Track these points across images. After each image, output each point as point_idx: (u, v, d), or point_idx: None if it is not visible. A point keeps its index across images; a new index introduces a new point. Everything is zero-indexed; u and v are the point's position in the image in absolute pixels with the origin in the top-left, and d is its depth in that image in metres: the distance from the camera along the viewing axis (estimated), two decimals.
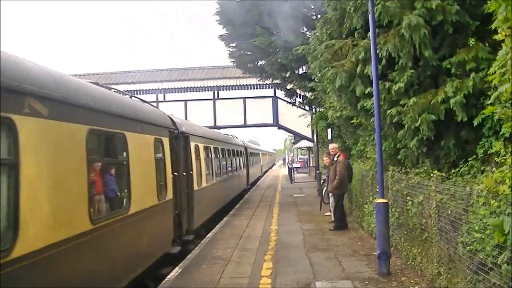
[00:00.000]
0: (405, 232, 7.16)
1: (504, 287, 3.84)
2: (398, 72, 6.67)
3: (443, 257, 5.48)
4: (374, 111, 6.75)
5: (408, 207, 6.70)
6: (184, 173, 9.77)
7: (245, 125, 25.84)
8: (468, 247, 4.54)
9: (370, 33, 6.54)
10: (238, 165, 21.02)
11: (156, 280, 7.41)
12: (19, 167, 3.69)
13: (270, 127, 27.23)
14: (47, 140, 4.16)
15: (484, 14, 5.27)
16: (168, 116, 9.35)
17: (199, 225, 10.86)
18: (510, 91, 3.63)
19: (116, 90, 7.48)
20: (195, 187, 10.56)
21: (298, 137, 32.99)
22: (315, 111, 18.35)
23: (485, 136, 5.51)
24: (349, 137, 12.59)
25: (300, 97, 20.70)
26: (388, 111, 6.66)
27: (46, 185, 4.09)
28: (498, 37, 3.88)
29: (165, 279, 7.18)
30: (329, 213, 12.34)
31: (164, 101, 26.31)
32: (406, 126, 6.47)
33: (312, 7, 15.20)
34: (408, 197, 6.78)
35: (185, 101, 25.93)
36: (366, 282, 6.43)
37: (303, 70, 16.85)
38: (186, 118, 22.31)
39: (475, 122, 5.55)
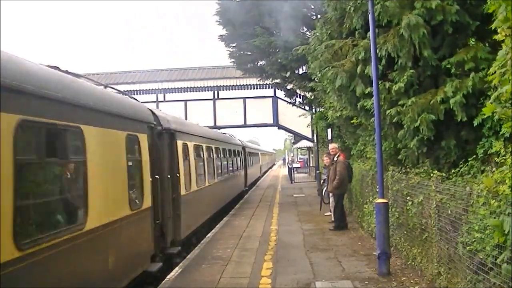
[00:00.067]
0: (405, 232, 7.16)
1: (504, 287, 3.85)
2: (398, 72, 6.67)
3: (443, 257, 5.48)
4: (374, 111, 6.76)
5: (408, 207, 6.70)
6: (169, 176, 8.50)
7: (245, 125, 25.82)
8: (468, 247, 4.54)
9: (370, 33, 6.54)
10: (235, 165, 19.70)
11: (156, 280, 7.40)
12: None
13: (270, 127, 27.22)
14: None
15: (484, 14, 5.27)
16: (149, 109, 8.01)
17: (188, 234, 9.73)
18: (510, 91, 3.63)
19: (86, 78, 6.14)
20: (183, 192, 9.28)
21: (298, 137, 32.98)
22: (315, 111, 18.35)
23: (485, 136, 5.51)
24: (349, 137, 12.59)
25: (300, 97, 20.70)
26: (388, 111, 6.66)
27: None
28: (498, 37, 3.88)
29: (165, 279, 7.18)
30: (329, 213, 12.34)
31: (164, 101, 26.30)
32: (405, 126, 6.47)
33: (312, 7, 15.20)
34: (408, 197, 6.78)
35: (185, 101, 25.92)
36: (366, 282, 6.44)
37: (303, 70, 16.86)
38: (186, 118, 22.28)
39: (475, 122, 5.54)
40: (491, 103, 4.35)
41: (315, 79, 12.51)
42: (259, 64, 17.88)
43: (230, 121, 25.16)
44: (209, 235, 10.96)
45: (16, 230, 3.66)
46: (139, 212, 6.66)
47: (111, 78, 27.08)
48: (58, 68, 5.30)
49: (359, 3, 7.22)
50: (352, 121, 10.23)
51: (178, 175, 9.01)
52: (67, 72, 5.44)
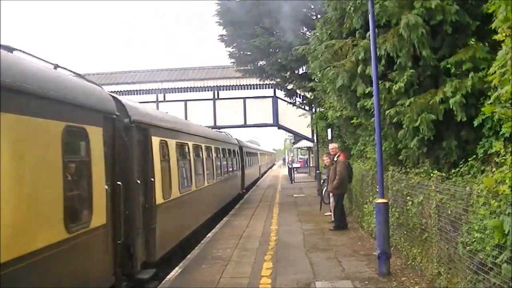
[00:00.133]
0: (405, 232, 7.16)
1: (504, 287, 3.85)
2: (398, 72, 6.68)
3: (443, 257, 5.48)
4: (374, 111, 6.76)
5: (408, 207, 6.70)
6: (139, 181, 6.83)
7: (245, 125, 25.83)
8: (468, 247, 4.54)
9: (370, 33, 6.54)
10: (230, 166, 18.13)
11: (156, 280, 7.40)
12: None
13: (270, 127, 27.24)
14: None
15: (484, 14, 5.27)
16: (111, 96, 6.39)
17: (166, 252, 8.02)
18: (510, 91, 3.63)
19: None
20: (159, 200, 7.60)
21: (298, 137, 32.99)
22: (315, 111, 18.36)
23: (485, 136, 5.51)
24: (349, 137, 12.60)
25: (300, 97, 20.71)
26: (387, 112, 6.66)
27: None
28: (498, 37, 3.88)
29: (165, 279, 7.18)
30: (329, 213, 12.35)
31: (164, 101, 26.32)
32: (405, 126, 6.47)
33: (312, 7, 15.21)
34: (408, 197, 6.78)
35: (185, 101, 25.93)
36: (366, 282, 6.44)
37: (303, 70, 16.86)
38: (186, 118, 22.26)
39: (476, 123, 5.54)
40: (491, 103, 4.35)
41: (315, 79, 12.52)
42: (259, 64, 17.89)
43: (230, 121, 25.17)
44: (209, 235, 10.95)
45: None
46: (86, 233, 4.94)
47: (111, 78, 27.11)
48: None
49: (359, 3, 7.23)
50: (352, 121, 10.23)
51: (152, 179, 7.32)
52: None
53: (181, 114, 22.74)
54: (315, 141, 21.27)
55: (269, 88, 24.57)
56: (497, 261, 3.86)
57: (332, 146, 11.94)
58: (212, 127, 21.21)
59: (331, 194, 11.49)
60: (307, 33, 15.66)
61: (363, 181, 10.20)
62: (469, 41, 6.05)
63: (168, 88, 26.49)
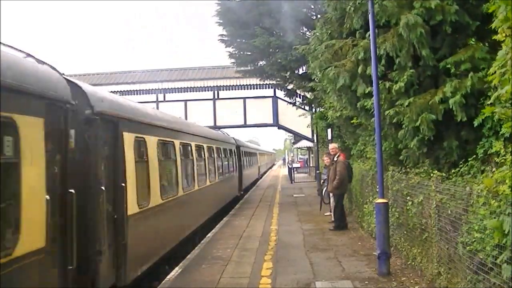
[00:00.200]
0: (405, 232, 7.16)
1: (504, 287, 3.85)
2: (398, 72, 6.68)
3: (443, 257, 5.48)
4: (374, 111, 6.76)
5: (408, 207, 6.70)
6: (104, 187, 5.47)
7: (245, 125, 25.83)
8: (468, 247, 4.54)
9: (370, 33, 6.54)
10: (226, 167, 16.82)
11: (156, 280, 7.40)
12: None
13: (270, 127, 27.23)
14: None
15: (484, 14, 5.27)
16: (66, 79, 5.07)
17: (142, 273, 6.74)
18: (510, 91, 3.63)
19: None
20: (133, 209, 6.34)
21: (298, 137, 32.99)
22: (315, 111, 18.36)
23: (485, 136, 5.51)
24: (349, 137, 12.60)
25: (300, 97, 20.72)
26: (387, 112, 6.66)
27: None
28: (498, 37, 3.88)
29: (165, 279, 7.18)
30: (329, 213, 12.35)
31: (164, 101, 26.32)
32: (405, 126, 6.47)
33: (312, 7, 15.22)
34: (408, 197, 6.78)
35: (185, 101, 25.93)
36: (366, 282, 6.44)
37: (303, 70, 16.87)
38: (186, 118, 22.23)
39: (476, 123, 5.54)
40: (491, 103, 4.35)
41: (315, 79, 12.52)
42: (259, 64, 17.89)
43: (230, 121, 25.16)
44: (209, 235, 10.95)
45: None
46: (6, 265, 3.52)
47: (111, 78, 27.11)
48: None
49: (359, 3, 7.23)
50: (352, 121, 10.23)
51: (123, 184, 6.06)
52: None
53: (181, 114, 22.71)
54: (315, 141, 21.27)
55: (269, 88, 24.56)
56: (497, 261, 3.86)
57: (332, 146, 11.94)
58: (212, 127, 21.13)
59: (331, 194, 11.49)
60: (307, 33, 15.66)
61: (363, 181, 10.20)
62: (469, 41, 6.04)
63: (168, 88, 26.48)
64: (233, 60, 18.59)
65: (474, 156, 5.56)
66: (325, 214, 12.88)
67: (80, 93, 5.37)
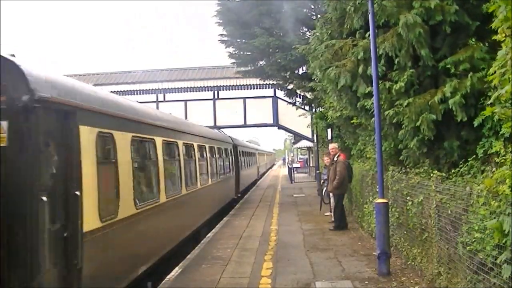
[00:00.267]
0: (405, 232, 7.16)
1: (504, 287, 3.84)
2: (398, 72, 6.67)
3: (443, 257, 5.48)
4: (374, 111, 6.75)
5: (408, 207, 6.70)
6: (45, 198, 4.20)
7: (245, 125, 25.85)
8: (468, 247, 4.54)
9: (370, 33, 6.54)
10: (221, 168, 15.47)
11: (156, 280, 7.39)
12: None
13: (270, 127, 27.25)
14: None
15: (485, 14, 5.26)
16: None
17: None
18: (510, 91, 3.62)
19: None
20: (91, 223, 5.02)
21: (298, 137, 33.01)
22: (315, 111, 18.36)
23: (485, 136, 5.51)
24: (349, 137, 12.59)
25: (300, 97, 20.72)
26: (386, 112, 6.66)
27: None
28: (498, 37, 3.88)
29: (165, 279, 7.18)
30: (329, 213, 12.35)
31: (164, 101, 26.33)
32: (404, 127, 6.47)
33: (312, 7, 15.22)
34: (408, 197, 6.78)
35: (185, 101, 25.95)
36: (366, 282, 6.44)
37: (302, 70, 16.87)
38: (186, 118, 22.21)
39: (476, 123, 5.54)
40: (491, 103, 4.35)
41: (315, 79, 12.52)
42: (259, 64, 17.90)
43: (230, 121, 25.19)
44: (209, 235, 10.95)
45: None
46: None
47: (111, 78, 27.14)
48: None
49: (359, 3, 7.23)
50: (352, 121, 10.23)
51: (77, 193, 4.73)
52: None
53: (181, 114, 22.71)
54: (315, 141, 21.27)
55: (269, 88, 24.58)
56: (497, 261, 3.86)
57: (332, 146, 11.94)
58: (212, 127, 21.09)
59: (331, 194, 11.49)
60: (307, 33, 15.67)
61: (363, 181, 10.20)
62: (469, 41, 6.04)
63: (168, 88, 26.51)
64: (233, 60, 18.61)
65: (474, 156, 5.56)
66: (325, 214, 12.88)
67: (16, 73, 4.15)
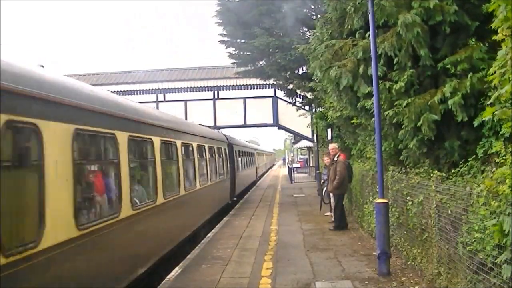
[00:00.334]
0: (405, 232, 7.16)
1: (504, 287, 3.84)
2: (398, 72, 6.68)
3: (443, 257, 5.48)
4: (374, 111, 6.75)
5: (408, 207, 6.70)
6: None
7: (245, 125, 25.86)
8: (468, 247, 4.54)
9: (370, 33, 6.54)
10: (214, 170, 13.69)
11: (156, 280, 7.39)
12: None
13: (270, 127, 27.25)
14: None
15: (485, 14, 5.26)
16: None
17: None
18: (510, 91, 3.62)
19: None
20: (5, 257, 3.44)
21: (298, 137, 33.00)
22: (315, 111, 18.36)
23: (485, 136, 5.51)
24: (349, 137, 12.59)
25: (300, 97, 20.73)
26: (386, 112, 6.66)
27: None
28: (498, 37, 3.88)
29: (165, 279, 7.18)
30: (329, 213, 12.35)
31: (164, 101, 26.33)
32: (404, 127, 6.47)
33: (312, 7, 15.23)
34: (408, 197, 6.77)
35: (185, 101, 25.95)
36: (366, 282, 6.43)
37: (302, 70, 16.88)
38: (186, 118, 22.20)
39: (476, 123, 5.54)
40: (490, 103, 4.35)
41: (315, 79, 12.53)
42: (259, 64, 17.91)
43: (230, 121, 25.19)
44: (209, 235, 10.95)
45: None
46: None
47: (111, 78, 27.14)
48: None
49: (359, 3, 7.22)
50: (352, 121, 10.23)
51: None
52: None
53: (181, 114, 22.71)
54: (315, 141, 21.27)
55: (269, 88, 24.59)
56: (497, 261, 3.86)
57: (332, 146, 11.93)
58: (213, 127, 21.02)
59: (331, 194, 11.49)
60: (307, 33, 15.67)
61: (363, 181, 10.20)
62: (469, 41, 6.04)
63: (168, 88, 26.51)
64: (233, 60, 18.62)
65: (474, 156, 5.56)
66: (325, 214, 12.88)
67: None
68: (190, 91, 26.49)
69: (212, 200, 13.25)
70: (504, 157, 4.56)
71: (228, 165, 17.04)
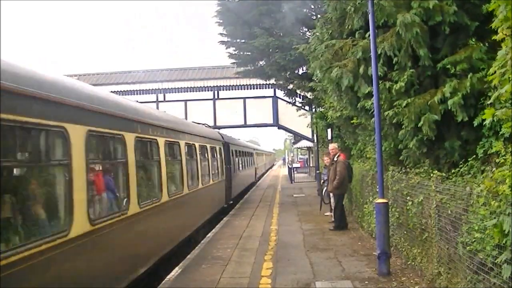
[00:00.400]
0: (405, 232, 7.16)
1: (504, 287, 3.84)
2: (398, 72, 6.68)
3: (443, 257, 5.48)
4: (374, 111, 6.75)
5: (408, 207, 6.70)
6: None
7: (245, 125, 25.86)
8: (468, 247, 4.54)
9: (370, 33, 6.54)
10: (204, 172, 11.93)
11: (156, 280, 7.39)
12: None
13: (270, 127, 27.24)
14: None
15: (485, 14, 5.27)
16: None
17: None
18: (510, 91, 3.62)
19: None
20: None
21: (298, 137, 33.00)
22: (315, 111, 18.36)
23: (485, 136, 5.51)
24: (349, 137, 12.59)
25: (300, 97, 20.73)
26: (386, 113, 6.66)
27: None
28: (498, 37, 3.88)
29: (165, 279, 7.18)
30: (329, 213, 12.35)
31: (164, 101, 26.33)
32: (404, 127, 6.47)
33: (312, 7, 15.23)
34: (408, 197, 6.77)
35: (185, 101, 25.95)
36: (366, 282, 6.43)
37: (302, 70, 16.88)
38: (186, 118, 22.21)
39: (475, 123, 5.54)
40: (490, 103, 4.35)
41: (315, 79, 12.53)
42: (258, 64, 17.92)
43: (230, 121, 25.19)
44: (209, 235, 10.95)
45: None
46: None
47: (111, 78, 27.14)
48: None
49: (359, 3, 7.22)
50: (352, 121, 10.23)
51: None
52: None
53: (181, 114, 22.70)
54: (315, 141, 21.27)
55: (269, 88, 24.59)
56: (497, 261, 3.86)
57: (332, 146, 11.93)
58: (213, 127, 20.93)
59: (331, 194, 11.49)
60: (307, 33, 15.67)
61: (363, 181, 10.20)
62: (469, 41, 6.04)
63: (168, 88, 26.51)
64: (233, 60, 18.63)
65: (474, 156, 5.56)
66: (325, 214, 12.88)
67: None
68: (190, 91, 26.49)
69: (207, 202, 12.24)
70: (504, 157, 4.56)
71: (224, 166, 15.85)
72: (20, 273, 3.75)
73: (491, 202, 4.01)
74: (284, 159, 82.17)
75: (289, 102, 21.85)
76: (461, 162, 5.79)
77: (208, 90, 26.27)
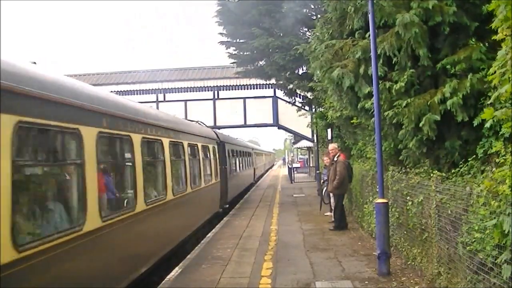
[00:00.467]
0: (405, 232, 7.16)
1: (504, 287, 3.84)
2: (398, 72, 6.68)
3: (443, 257, 5.48)
4: (374, 111, 6.75)
5: (408, 207, 6.70)
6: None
7: (245, 125, 25.86)
8: (468, 247, 4.54)
9: (370, 33, 6.54)
10: (195, 174, 10.88)
11: (156, 280, 7.39)
12: None
13: (270, 127, 27.24)
14: None
15: (485, 14, 5.27)
16: None
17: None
18: (510, 91, 3.62)
19: None
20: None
21: (298, 137, 33.00)
22: (315, 111, 18.35)
23: (485, 136, 5.51)
24: (349, 137, 12.60)
25: (300, 97, 20.72)
26: (386, 113, 6.66)
27: None
28: (498, 37, 3.88)
29: (165, 279, 7.18)
30: (329, 213, 12.35)
31: (164, 101, 26.33)
32: (404, 127, 6.47)
33: (312, 7, 15.23)
34: (408, 197, 6.78)
35: (185, 101, 25.95)
36: (366, 282, 6.43)
37: (302, 70, 16.88)
38: (186, 118, 22.17)
39: (475, 123, 5.54)
40: (490, 103, 4.34)
41: (315, 79, 12.52)
42: (258, 64, 17.91)
43: (230, 121, 25.20)
44: (209, 235, 10.95)
45: None
46: None
47: (111, 78, 27.14)
48: None
49: (359, 3, 7.22)
50: (352, 121, 10.23)
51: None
52: None
53: (181, 114, 22.70)
54: (315, 141, 21.27)
55: (269, 88, 24.60)
56: (497, 261, 3.86)
57: (332, 146, 11.93)
58: (213, 128, 20.86)
59: (331, 194, 11.49)
60: (307, 33, 15.67)
61: (363, 181, 10.20)
62: (469, 41, 6.04)
63: (168, 88, 26.51)
64: (233, 60, 18.62)
65: (474, 156, 5.56)
66: (325, 214, 12.89)
67: None
68: (190, 91, 26.49)
69: (198, 208, 11.14)
70: (504, 157, 4.56)
71: (218, 167, 14.46)
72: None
73: (491, 202, 4.01)
74: (284, 159, 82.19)
75: (289, 102, 21.83)
76: (461, 162, 5.79)
77: (208, 90, 26.27)
